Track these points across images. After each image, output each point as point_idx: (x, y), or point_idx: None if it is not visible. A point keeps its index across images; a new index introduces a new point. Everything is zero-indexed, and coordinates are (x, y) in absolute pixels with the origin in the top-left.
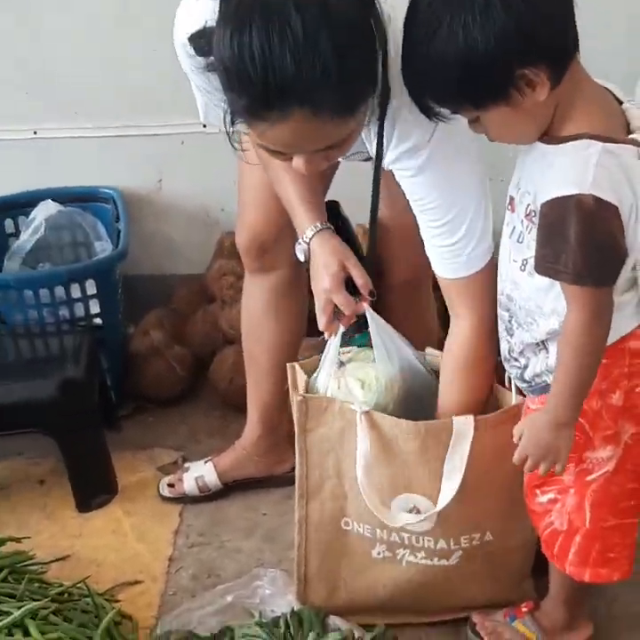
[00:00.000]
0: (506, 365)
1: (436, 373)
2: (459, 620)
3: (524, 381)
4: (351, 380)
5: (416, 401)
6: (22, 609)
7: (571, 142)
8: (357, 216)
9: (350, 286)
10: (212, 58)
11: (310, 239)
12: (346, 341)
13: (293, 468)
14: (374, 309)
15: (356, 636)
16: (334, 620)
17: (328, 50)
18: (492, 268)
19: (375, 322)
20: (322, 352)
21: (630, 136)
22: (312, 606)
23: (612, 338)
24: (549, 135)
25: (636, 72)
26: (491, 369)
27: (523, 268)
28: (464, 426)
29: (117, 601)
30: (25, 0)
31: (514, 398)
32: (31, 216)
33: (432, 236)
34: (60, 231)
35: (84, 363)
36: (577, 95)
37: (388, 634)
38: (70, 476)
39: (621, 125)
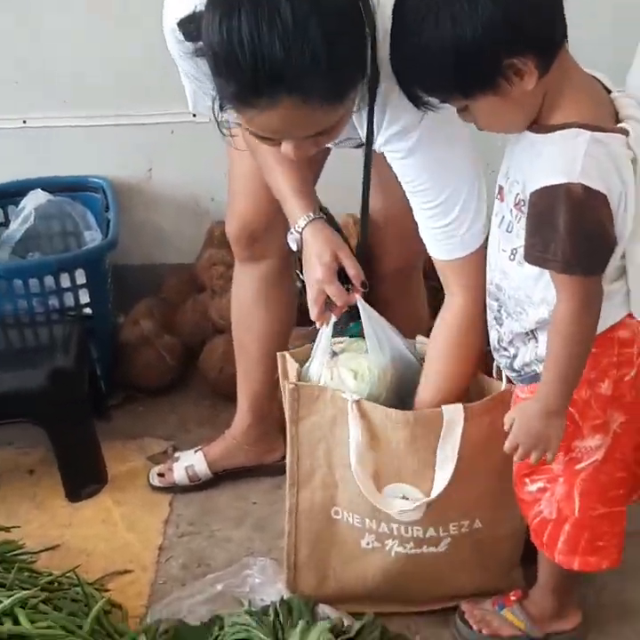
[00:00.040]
0: (495, 355)
1: None
2: (447, 608)
3: (514, 371)
4: (344, 370)
5: (407, 390)
6: (12, 598)
7: (559, 131)
8: (348, 205)
9: (342, 276)
10: (200, 43)
11: (303, 229)
12: (339, 331)
13: (283, 457)
14: (366, 298)
15: (346, 624)
16: (324, 609)
17: (317, 37)
18: (486, 248)
19: (367, 312)
20: (313, 341)
21: (619, 125)
22: (302, 595)
23: (601, 327)
24: (538, 124)
25: (622, 62)
26: (479, 347)
27: (512, 257)
28: (454, 415)
29: (107, 590)
30: None
31: (502, 387)
32: (20, 205)
33: (426, 218)
34: (50, 220)
35: (74, 352)
36: (565, 84)
37: (376, 622)
38: (60, 466)
39: (610, 114)
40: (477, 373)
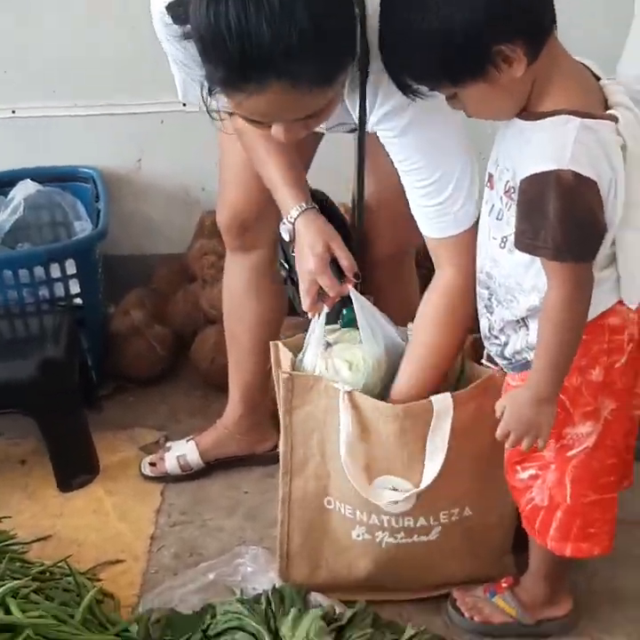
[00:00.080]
0: (486, 343)
1: None
2: (439, 596)
3: (505, 359)
4: (338, 361)
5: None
6: (3, 588)
7: (549, 118)
8: (338, 193)
9: (335, 267)
10: (188, 26)
11: (295, 219)
12: (333, 318)
13: (275, 447)
14: (357, 286)
15: (337, 611)
16: (316, 597)
17: (304, 19)
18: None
19: (360, 303)
20: (305, 331)
21: (608, 111)
22: (294, 583)
23: (592, 314)
24: (528, 111)
25: (613, 50)
26: (466, 324)
27: (502, 245)
28: (443, 405)
29: (99, 580)
30: None
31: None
32: (10, 196)
33: (419, 197)
34: (40, 211)
35: (64, 343)
36: (554, 71)
37: (368, 610)
38: (51, 456)
39: (599, 101)
40: (462, 349)
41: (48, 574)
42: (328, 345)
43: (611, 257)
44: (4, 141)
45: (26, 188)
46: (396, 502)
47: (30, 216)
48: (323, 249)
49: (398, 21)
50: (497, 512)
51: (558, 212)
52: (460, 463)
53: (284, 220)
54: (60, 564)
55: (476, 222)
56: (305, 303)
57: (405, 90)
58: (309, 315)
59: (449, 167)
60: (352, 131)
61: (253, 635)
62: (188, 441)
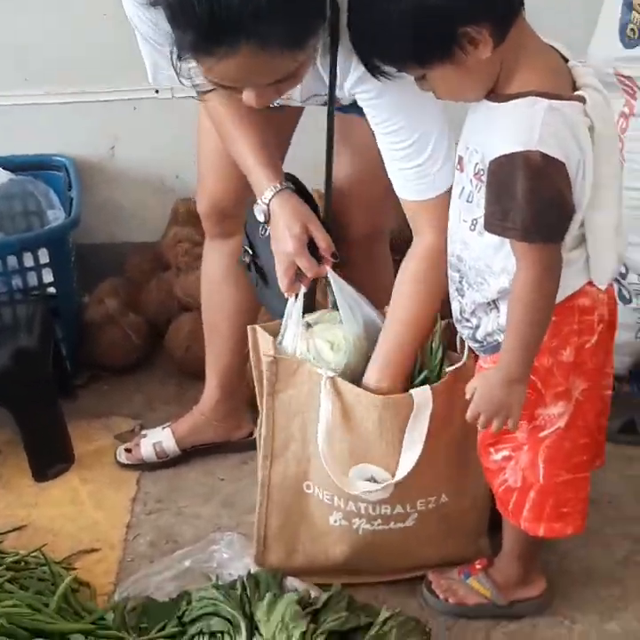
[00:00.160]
0: (458, 326)
1: None
2: (414, 578)
3: (477, 341)
4: (320, 341)
5: None
6: None
7: (516, 100)
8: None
9: (311, 247)
10: None
11: (270, 200)
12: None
13: (251, 434)
14: (335, 266)
15: (313, 595)
16: (292, 582)
17: None
18: None
19: (338, 284)
20: (282, 316)
21: (576, 93)
22: (270, 568)
23: (561, 295)
24: (496, 93)
25: (585, 33)
26: (443, 287)
27: (472, 227)
28: (423, 398)
29: (75, 569)
30: None
31: (463, 360)
32: None
33: (398, 159)
34: (12, 200)
35: (38, 332)
36: (522, 53)
37: (343, 593)
38: (26, 446)
39: (568, 83)
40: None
41: (23, 564)
42: (308, 325)
43: (580, 238)
44: None
45: None
46: (371, 492)
47: (3, 205)
48: (300, 230)
49: (365, 3)
50: (471, 495)
51: (526, 194)
52: (436, 452)
53: (259, 201)
54: (34, 554)
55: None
56: (283, 284)
57: (373, 71)
58: (287, 295)
59: (428, 127)
60: (326, 104)
61: (229, 620)
62: (163, 428)
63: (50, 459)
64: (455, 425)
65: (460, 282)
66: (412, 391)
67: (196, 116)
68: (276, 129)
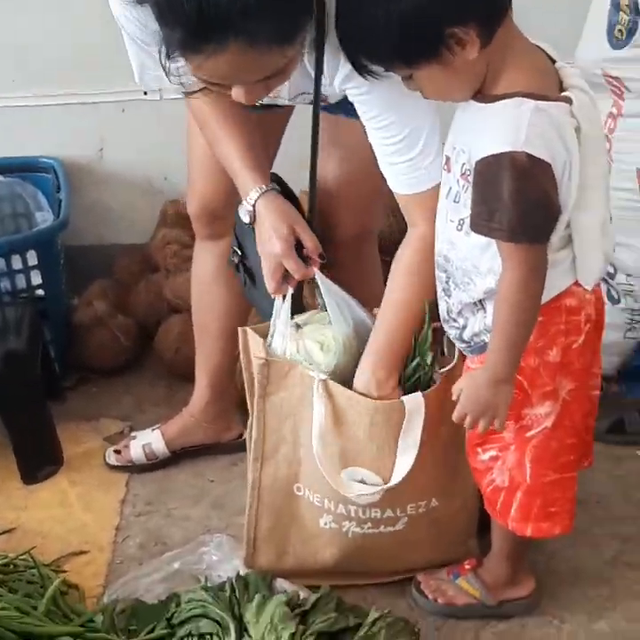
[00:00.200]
0: (445, 326)
1: None
2: (403, 579)
3: (464, 342)
4: (309, 342)
5: None
6: None
7: (503, 100)
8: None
9: (298, 248)
10: None
11: (255, 201)
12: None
13: (241, 436)
14: (322, 267)
15: (302, 597)
16: (281, 583)
17: None
18: None
19: (325, 285)
20: (270, 317)
21: (562, 94)
22: (259, 570)
23: (548, 295)
24: (483, 93)
25: (573, 35)
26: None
27: (459, 227)
28: (415, 404)
29: (64, 571)
30: None
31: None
32: None
33: (390, 153)
34: (0, 202)
35: (26, 334)
36: (509, 53)
37: (332, 594)
38: (15, 449)
39: (554, 84)
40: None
41: (12, 567)
42: (298, 326)
43: (566, 239)
44: None
45: None
46: (366, 495)
47: None
48: (287, 231)
49: (353, 3)
50: (461, 497)
51: (513, 194)
52: (427, 457)
53: (244, 202)
54: (23, 557)
55: None
56: (270, 286)
57: (361, 70)
58: (274, 297)
59: (419, 122)
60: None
61: (217, 622)
62: (153, 430)
63: (39, 461)
64: (446, 429)
65: (447, 282)
66: (404, 398)
67: (185, 118)
68: (264, 130)
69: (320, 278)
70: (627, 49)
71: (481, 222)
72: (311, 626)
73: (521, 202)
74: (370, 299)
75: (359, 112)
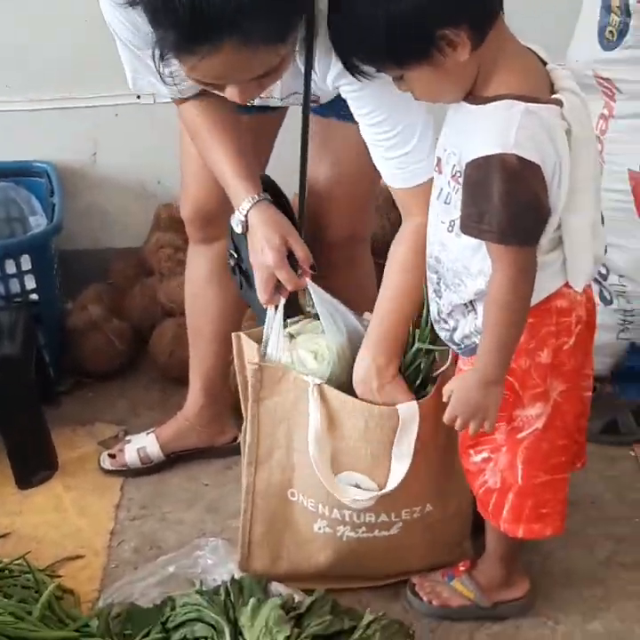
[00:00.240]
0: (436, 327)
1: None
2: (398, 582)
3: (454, 343)
4: (303, 352)
5: None
6: None
7: (494, 103)
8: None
9: (290, 258)
10: None
11: (247, 211)
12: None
13: (235, 439)
14: (313, 277)
15: (297, 600)
16: (276, 587)
17: None
18: None
19: (318, 294)
20: (262, 324)
21: (553, 96)
22: (254, 574)
23: (539, 297)
24: (474, 95)
25: (565, 36)
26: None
27: (450, 229)
28: (409, 413)
29: (59, 576)
30: None
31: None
32: None
33: (385, 149)
34: None
35: (20, 339)
36: (500, 55)
37: (327, 597)
38: (9, 454)
39: (545, 86)
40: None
41: (7, 572)
42: (291, 336)
43: (556, 241)
44: None
45: None
46: (361, 500)
47: None
48: (279, 242)
49: (345, 4)
50: (456, 501)
51: (502, 196)
52: (422, 463)
53: (236, 212)
54: (18, 562)
55: None
56: (262, 297)
57: (352, 70)
58: (265, 305)
59: (412, 117)
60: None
61: (212, 626)
62: (148, 434)
63: (33, 466)
64: (441, 435)
65: (438, 283)
66: (399, 406)
67: (178, 122)
68: (257, 134)
69: (312, 288)
70: (618, 50)
71: (471, 224)
72: (306, 629)
73: (511, 204)
74: (363, 302)
75: (352, 109)
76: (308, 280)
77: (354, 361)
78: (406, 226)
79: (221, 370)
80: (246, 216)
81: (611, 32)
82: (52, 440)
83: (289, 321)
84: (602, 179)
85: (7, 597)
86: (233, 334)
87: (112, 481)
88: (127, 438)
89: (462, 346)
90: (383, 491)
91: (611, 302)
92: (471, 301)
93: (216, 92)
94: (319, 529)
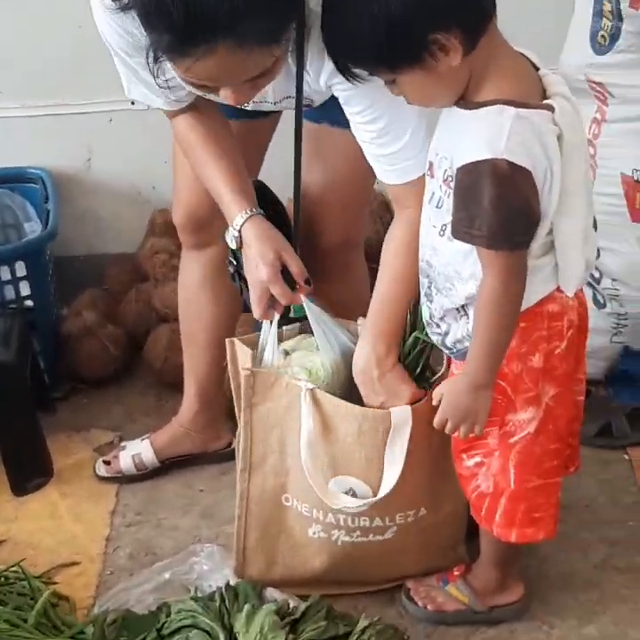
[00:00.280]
0: (428, 330)
1: None
2: (393, 587)
3: (447, 348)
4: (297, 369)
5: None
6: None
7: (485, 108)
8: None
9: (284, 273)
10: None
11: (241, 226)
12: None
13: (229, 445)
14: (310, 273)
15: (292, 606)
16: (272, 593)
17: None
18: None
19: (312, 310)
20: (259, 329)
21: (545, 101)
22: (249, 579)
23: (530, 301)
24: (466, 100)
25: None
26: None
27: (442, 233)
28: (401, 418)
29: (54, 583)
30: None
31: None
32: None
33: (377, 146)
34: None
35: (15, 346)
36: (492, 61)
37: (322, 603)
38: (4, 461)
39: (537, 91)
40: None
41: (2, 579)
42: (286, 353)
43: (548, 245)
44: None
45: None
46: (350, 508)
47: None
48: (273, 257)
49: (338, 6)
50: (450, 505)
51: (493, 201)
52: (416, 467)
53: (230, 228)
54: (13, 569)
55: None
56: (256, 312)
57: (345, 72)
58: (259, 320)
59: (404, 114)
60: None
61: (207, 632)
62: (142, 440)
63: (29, 473)
64: (435, 439)
65: (429, 287)
66: (392, 410)
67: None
68: (250, 140)
69: (307, 305)
70: (610, 55)
71: (462, 229)
72: (301, 635)
73: (501, 209)
74: (357, 307)
75: (345, 107)
76: (302, 296)
77: (348, 378)
78: (399, 217)
79: (215, 376)
80: (240, 231)
81: (603, 36)
82: (48, 446)
83: (285, 328)
84: (594, 183)
85: (2, 604)
86: (227, 340)
87: (107, 487)
88: (122, 444)
89: (454, 350)
90: (374, 498)
91: (604, 306)
92: (463, 306)
93: (210, 95)
94: (314, 534)
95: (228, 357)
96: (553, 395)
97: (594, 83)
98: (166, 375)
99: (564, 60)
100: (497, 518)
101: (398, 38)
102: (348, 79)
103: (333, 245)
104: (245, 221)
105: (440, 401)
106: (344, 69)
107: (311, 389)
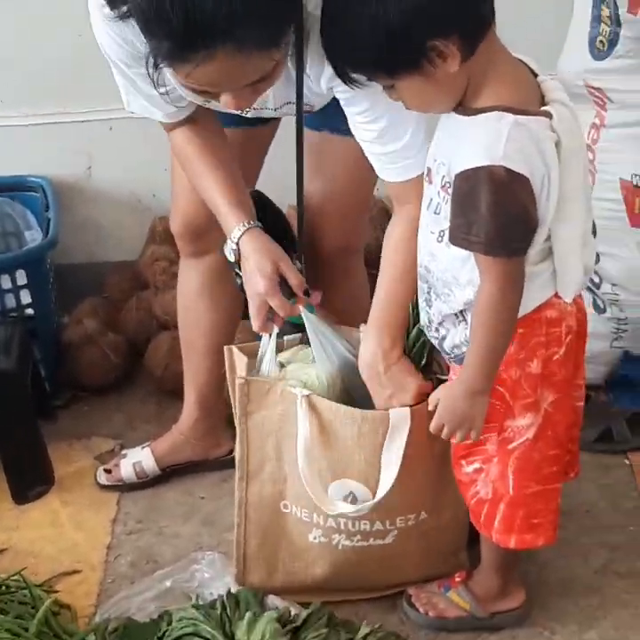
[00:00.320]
0: (427, 334)
1: None
2: (394, 593)
3: (445, 353)
4: (293, 382)
5: (357, 395)
6: None
7: (483, 114)
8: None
9: (283, 285)
10: (125, 8)
11: (239, 239)
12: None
13: (230, 452)
14: (308, 280)
15: (293, 613)
16: (273, 600)
17: None
18: None
19: (310, 322)
20: (259, 338)
21: (543, 108)
22: (251, 587)
23: (528, 307)
24: (464, 106)
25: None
26: None
27: (440, 239)
28: (399, 419)
29: (55, 591)
30: None
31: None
32: None
33: (378, 145)
34: None
35: (16, 354)
36: (491, 67)
37: (323, 610)
38: (5, 469)
39: (536, 98)
40: None
41: (3, 588)
42: (282, 365)
43: (546, 251)
44: None
45: None
46: (347, 513)
47: None
48: (272, 269)
49: (338, 12)
50: (451, 510)
51: (491, 208)
52: (416, 470)
53: (228, 241)
54: (15, 577)
55: None
56: (255, 325)
57: (343, 77)
58: (258, 333)
59: (405, 115)
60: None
61: None
62: (143, 448)
63: (30, 481)
64: (435, 443)
65: (428, 292)
66: (391, 411)
67: None
68: (248, 148)
69: (306, 316)
70: (608, 60)
71: (459, 235)
72: None
73: (499, 215)
74: (357, 313)
75: (345, 109)
76: (301, 308)
77: (344, 391)
78: (399, 213)
79: (215, 383)
80: (238, 244)
81: (601, 42)
82: (49, 455)
83: (286, 338)
84: (593, 188)
85: (4, 613)
86: (225, 348)
87: (108, 495)
88: (123, 452)
89: (452, 355)
90: (372, 501)
91: (604, 311)
92: (461, 311)
93: (210, 102)
94: (314, 538)
95: (227, 365)
96: (552, 401)
97: (592, 88)
98: (167, 383)
99: (562, 66)
100: (496, 524)
101: (396, 44)
102: (346, 84)
103: (333, 252)
104: (243, 234)
105: (436, 406)
106: (343, 74)
107: (307, 396)
